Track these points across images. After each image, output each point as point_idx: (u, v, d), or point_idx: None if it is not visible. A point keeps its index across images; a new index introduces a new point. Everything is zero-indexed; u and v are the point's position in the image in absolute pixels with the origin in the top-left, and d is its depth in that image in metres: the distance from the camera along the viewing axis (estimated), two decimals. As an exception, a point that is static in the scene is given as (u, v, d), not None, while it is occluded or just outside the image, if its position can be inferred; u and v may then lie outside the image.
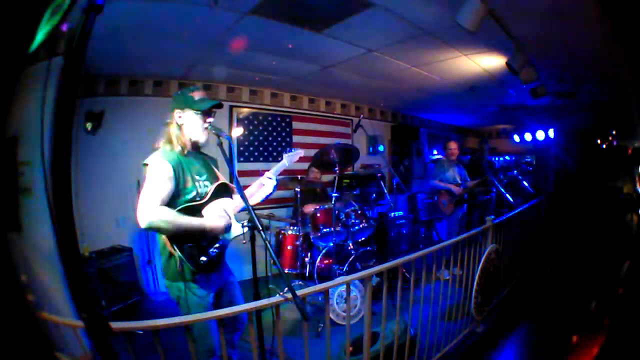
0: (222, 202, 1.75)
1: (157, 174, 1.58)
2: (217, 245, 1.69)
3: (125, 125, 3.54)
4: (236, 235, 1.74)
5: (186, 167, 1.69)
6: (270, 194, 2.01)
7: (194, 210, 1.65)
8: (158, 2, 2.32)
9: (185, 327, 1.35)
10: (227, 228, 1.70)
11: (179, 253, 1.59)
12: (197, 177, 1.73)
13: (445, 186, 4.21)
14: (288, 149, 2.23)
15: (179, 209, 1.60)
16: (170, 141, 1.72)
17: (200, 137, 1.74)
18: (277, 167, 2.06)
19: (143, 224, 1.50)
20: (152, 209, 1.51)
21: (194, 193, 1.69)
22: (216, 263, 1.73)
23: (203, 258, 1.63)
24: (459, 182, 4.27)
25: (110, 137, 3.44)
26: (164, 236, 1.62)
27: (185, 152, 1.74)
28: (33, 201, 1.17)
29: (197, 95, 1.72)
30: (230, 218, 1.73)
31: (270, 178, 1.99)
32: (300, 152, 2.21)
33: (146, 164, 1.62)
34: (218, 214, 1.70)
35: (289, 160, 2.15)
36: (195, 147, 1.80)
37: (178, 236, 1.59)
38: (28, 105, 1.20)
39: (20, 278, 1.10)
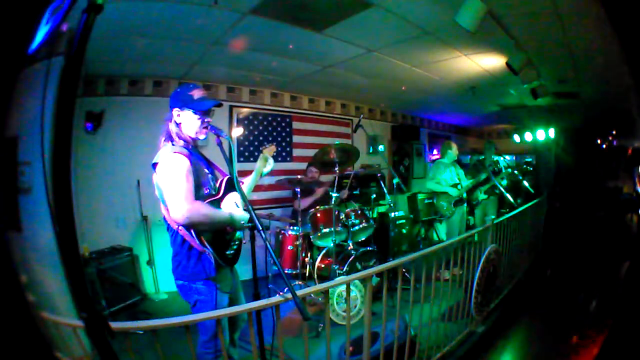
0: (233, 196, 1.76)
1: (178, 168, 1.56)
2: (237, 239, 1.74)
3: (125, 125, 3.54)
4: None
5: (198, 162, 1.70)
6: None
7: (214, 205, 1.66)
8: (158, 2, 2.32)
9: (186, 327, 1.35)
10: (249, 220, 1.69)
11: (210, 248, 1.59)
12: (206, 171, 1.74)
13: (443, 188, 4.21)
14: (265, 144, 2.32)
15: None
16: (173, 138, 1.70)
17: (200, 135, 1.73)
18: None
19: (182, 219, 1.50)
20: (189, 204, 1.51)
21: (208, 187, 1.70)
22: (236, 258, 1.76)
23: (229, 252, 1.67)
24: (458, 182, 4.27)
25: (110, 137, 3.45)
26: (185, 233, 1.59)
27: (190, 147, 1.73)
28: (33, 201, 1.17)
29: (196, 94, 1.70)
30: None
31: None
32: (273, 147, 2.28)
33: (156, 163, 1.60)
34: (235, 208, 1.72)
35: (268, 151, 2.20)
36: (195, 145, 1.80)
37: (207, 231, 1.60)
38: (28, 105, 1.20)
39: (20, 278, 1.10)
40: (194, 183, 1.60)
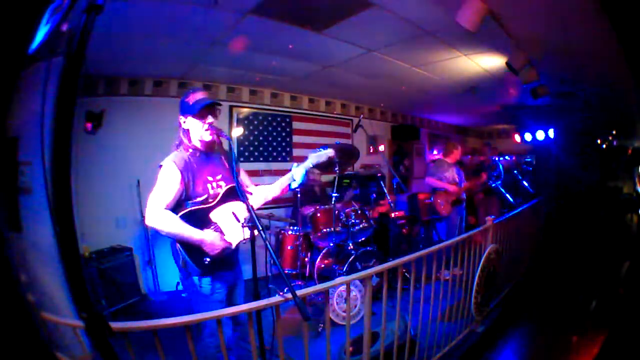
0: (233, 206, 1.76)
1: (165, 176, 1.65)
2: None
3: (125, 125, 3.54)
4: (242, 240, 1.76)
5: (197, 170, 1.72)
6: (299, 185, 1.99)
7: (201, 213, 1.68)
8: (158, 2, 2.32)
9: (186, 327, 1.35)
10: (226, 250, 1.69)
11: (184, 253, 1.63)
12: (209, 179, 1.75)
13: (443, 185, 4.20)
14: (319, 148, 2.06)
15: (183, 213, 1.63)
16: (181, 144, 1.78)
17: (205, 137, 1.76)
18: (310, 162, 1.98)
19: (147, 225, 1.62)
20: (155, 211, 1.59)
21: (205, 195, 1.72)
22: (222, 263, 1.74)
23: (207, 259, 1.66)
24: (457, 182, 4.26)
25: (110, 137, 3.44)
26: None
27: (198, 154, 1.76)
28: (33, 201, 1.17)
29: (191, 99, 1.75)
30: (239, 222, 1.72)
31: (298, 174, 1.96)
32: (330, 152, 2.01)
33: (161, 166, 1.69)
34: (225, 233, 1.72)
35: (317, 158, 1.99)
36: (209, 148, 1.82)
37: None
38: (28, 105, 1.20)
39: (20, 278, 1.11)
40: (181, 192, 1.66)
